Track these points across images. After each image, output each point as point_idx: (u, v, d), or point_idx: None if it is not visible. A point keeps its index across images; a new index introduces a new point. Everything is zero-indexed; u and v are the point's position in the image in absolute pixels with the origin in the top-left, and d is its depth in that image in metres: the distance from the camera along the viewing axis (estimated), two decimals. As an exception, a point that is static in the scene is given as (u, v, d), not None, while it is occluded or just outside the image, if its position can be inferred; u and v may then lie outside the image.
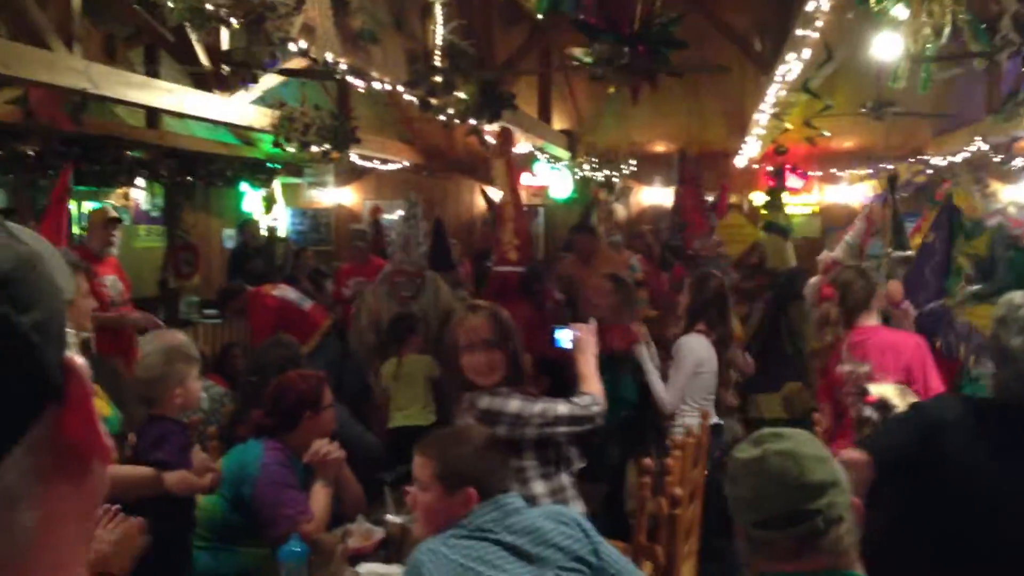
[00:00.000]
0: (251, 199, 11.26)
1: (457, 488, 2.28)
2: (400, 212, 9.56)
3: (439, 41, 5.97)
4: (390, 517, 3.25)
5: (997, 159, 9.40)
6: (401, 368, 5.60)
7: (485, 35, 7.91)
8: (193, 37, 6.16)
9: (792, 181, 12.15)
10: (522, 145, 9.78)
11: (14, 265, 0.51)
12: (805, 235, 11.69)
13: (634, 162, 11.96)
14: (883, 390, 3.03)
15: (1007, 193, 9.51)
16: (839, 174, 12.44)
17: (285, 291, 6.99)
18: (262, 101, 7.37)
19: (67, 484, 0.53)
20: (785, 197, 11.81)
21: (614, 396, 3.51)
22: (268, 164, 10.50)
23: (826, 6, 5.00)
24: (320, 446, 3.25)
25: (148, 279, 9.35)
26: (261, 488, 3.16)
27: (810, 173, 12.40)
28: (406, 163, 11.76)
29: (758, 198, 12.20)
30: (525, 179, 12.02)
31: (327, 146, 7.28)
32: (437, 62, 5.96)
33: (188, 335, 3.59)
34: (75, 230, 7.77)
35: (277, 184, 11.32)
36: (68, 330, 0.54)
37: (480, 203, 12.65)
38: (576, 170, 11.69)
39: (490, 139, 8.23)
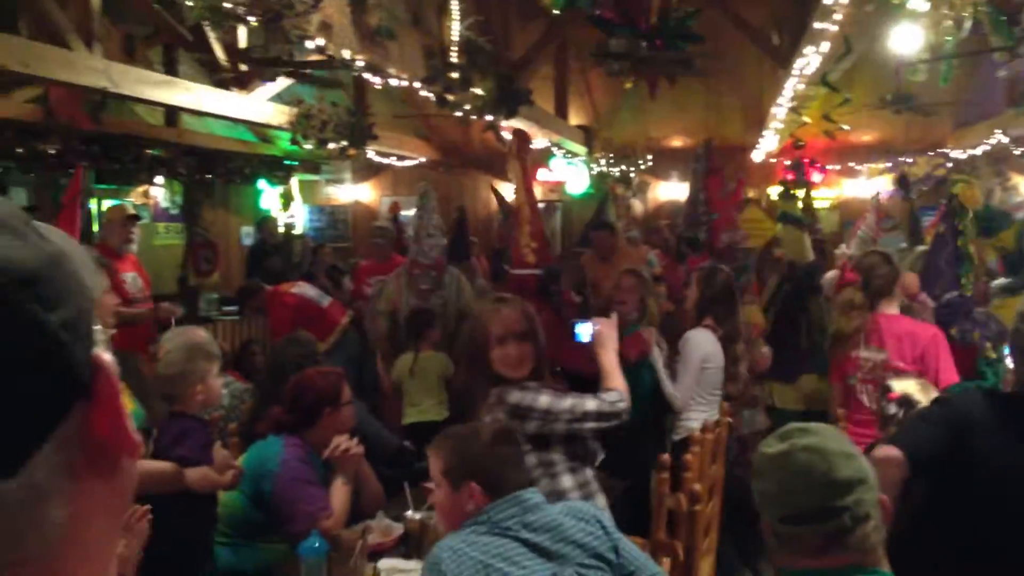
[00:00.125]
0: (269, 196, 11.31)
1: (462, 483, 2.28)
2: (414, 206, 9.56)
3: (456, 37, 5.98)
4: (410, 513, 3.26)
5: (1018, 152, 9.33)
6: (417, 364, 5.62)
7: (502, 31, 7.91)
8: (211, 36, 6.19)
9: (813, 176, 12.05)
10: (539, 141, 9.77)
11: (42, 264, 0.51)
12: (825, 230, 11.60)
13: (651, 157, 11.93)
14: (905, 386, 3.01)
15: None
16: (858, 168, 12.35)
17: (304, 289, 7.02)
18: (279, 98, 7.40)
19: (96, 480, 0.54)
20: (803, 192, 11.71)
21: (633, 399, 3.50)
22: (286, 161, 10.54)
23: (845, -1, 4.97)
24: (340, 442, 3.26)
25: (168, 276, 9.41)
26: (281, 484, 3.18)
27: (828, 167, 12.31)
28: (423, 159, 11.78)
29: (776, 192, 12.13)
30: (542, 175, 12.00)
31: (344, 143, 7.30)
32: (454, 58, 5.96)
33: (207, 332, 3.61)
34: (96, 228, 7.80)
35: (295, 181, 11.37)
36: (96, 327, 0.55)
37: (495, 200, 12.65)
38: (593, 165, 11.66)
39: (507, 135, 8.23)
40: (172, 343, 3.21)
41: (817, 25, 5.58)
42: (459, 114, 6.77)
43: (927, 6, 3.85)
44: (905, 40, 4.46)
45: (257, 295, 7.09)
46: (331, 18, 4.65)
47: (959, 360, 4.77)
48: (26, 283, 0.49)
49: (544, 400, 2.91)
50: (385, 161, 11.40)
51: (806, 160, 11.83)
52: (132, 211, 6.48)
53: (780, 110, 8.46)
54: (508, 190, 12.14)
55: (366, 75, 5.69)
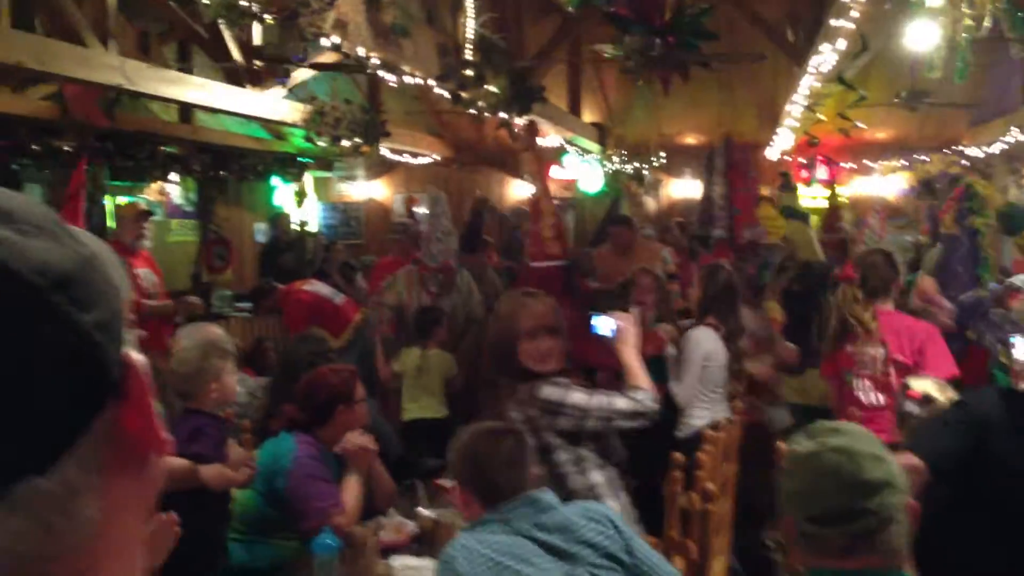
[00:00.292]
0: (282, 193, 11.33)
1: (460, 483, 2.32)
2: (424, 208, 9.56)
3: (470, 35, 5.97)
4: (422, 511, 3.27)
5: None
6: (424, 360, 5.66)
7: (515, 28, 7.90)
8: (226, 33, 6.21)
9: (818, 172, 12.01)
10: (552, 138, 9.76)
11: (76, 266, 0.52)
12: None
13: (664, 154, 11.89)
14: (924, 385, 3.00)
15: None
16: (872, 165, 12.29)
17: (317, 286, 7.04)
18: (293, 96, 7.41)
19: (126, 477, 0.55)
20: (801, 189, 11.69)
21: None
22: (299, 158, 10.56)
23: (861, -4, 4.94)
24: (353, 437, 3.26)
25: (181, 273, 9.44)
26: (293, 481, 3.19)
27: (843, 164, 12.26)
28: (436, 156, 11.78)
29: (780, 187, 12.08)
30: (555, 173, 11.98)
31: (357, 140, 7.32)
32: (468, 55, 5.96)
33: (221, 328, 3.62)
34: (111, 224, 7.84)
35: (308, 178, 11.39)
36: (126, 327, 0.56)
37: (509, 197, 12.66)
38: (606, 163, 11.64)
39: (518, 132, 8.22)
40: (187, 340, 3.21)
41: (833, 22, 5.55)
42: (473, 111, 6.76)
43: (946, 3, 3.82)
44: (921, 36, 4.43)
45: (270, 295, 7.12)
46: (346, 16, 4.65)
47: (974, 362, 4.76)
48: (62, 285, 0.51)
49: (577, 397, 2.91)
50: (398, 158, 11.41)
51: (820, 157, 11.79)
52: (144, 207, 6.50)
53: (795, 107, 8.42)
54: (519, 188, 12.19)
55: (381, 73, 5.69)
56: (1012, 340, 4.38)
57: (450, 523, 3.05)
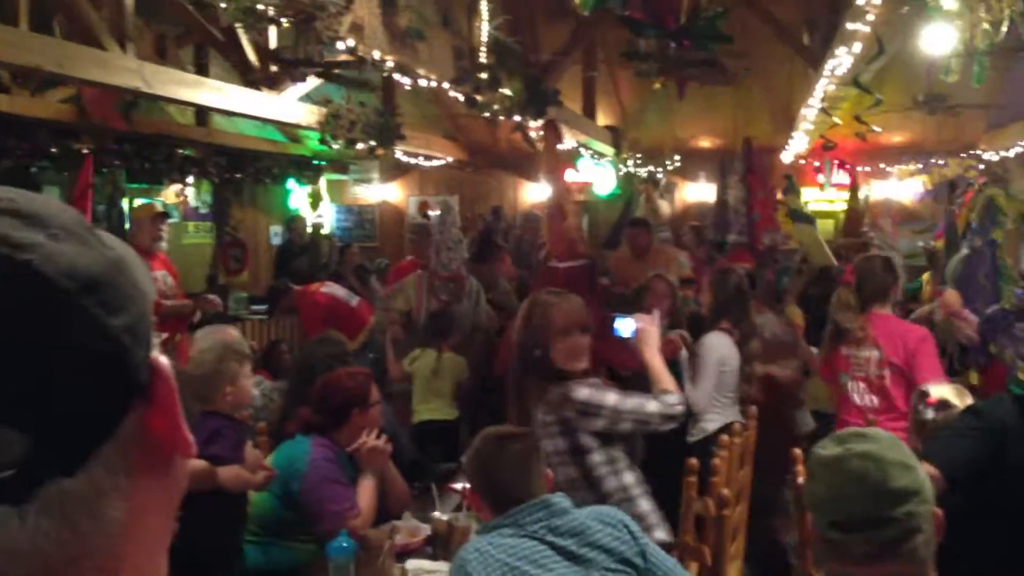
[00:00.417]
0: (298, 196, 11.37)
1: (472, 487, 2.35)
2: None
3: (485, 38, 5.99)
4: (437, 514, 3.27)
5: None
6: (439, 363, 5.68)
7: (530, 31, 7.91)
8: (243, 36, 6.23)
9: (835, 176, 11.95)
10: (567, 141, 9.75)
11: (104, 270, 0.53)
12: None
13: (678, 158, 11.87)
14: (941, 391, 2.99)
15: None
16: (888, 169, 12.23)
17: (333, 288, 7.05)
18: (308, 99, 7.44)
19: (151, 478, 0.56)
20: (815, 193, 11.64)
21: None
22: (314, 161, 10.60)
23: (878, -1, 4.92)
24: (367, 438, 3.27)
25: (197, 275, 9.48)
26: (309, 484, 3.19)
27: (859, 168, 12.20)
28: (450, 159, 11.80)
29: (805, 193, 12.03)
30: (569, 176, 11.97)
31: (372, 143, 7.33)
32: (483, 59, 5.97)
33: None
34: (127, 227, 7.89)
35: (323, 181, 11.42)
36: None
37: (522, 200, 12.65)
38: (620, 166, 11.62)
39: (535, 135, 8.23)
40: (204, 343, 3.22)
41: (849, 25, 5.53)
42: (487, 115, 6.77)
43: (963, 7, 3.80)
44: (938, 40, 4.41)
45: (287, 296, 7.14)
46: (362, 19, 4.67)
47: (995, 376, 4.74)
48: (91, 289, 0.51)
49: (612, 398, 2.91)
50: (413, 161, 11.44)
51: (838, 161, 11.73)
52: (161, 209, 6.53)
53: (810, 111, 8.38)
54: (533, 191, 12.17)
55: (396, 76, 5.71)
56: None
57: (464, 527, 3.06)
